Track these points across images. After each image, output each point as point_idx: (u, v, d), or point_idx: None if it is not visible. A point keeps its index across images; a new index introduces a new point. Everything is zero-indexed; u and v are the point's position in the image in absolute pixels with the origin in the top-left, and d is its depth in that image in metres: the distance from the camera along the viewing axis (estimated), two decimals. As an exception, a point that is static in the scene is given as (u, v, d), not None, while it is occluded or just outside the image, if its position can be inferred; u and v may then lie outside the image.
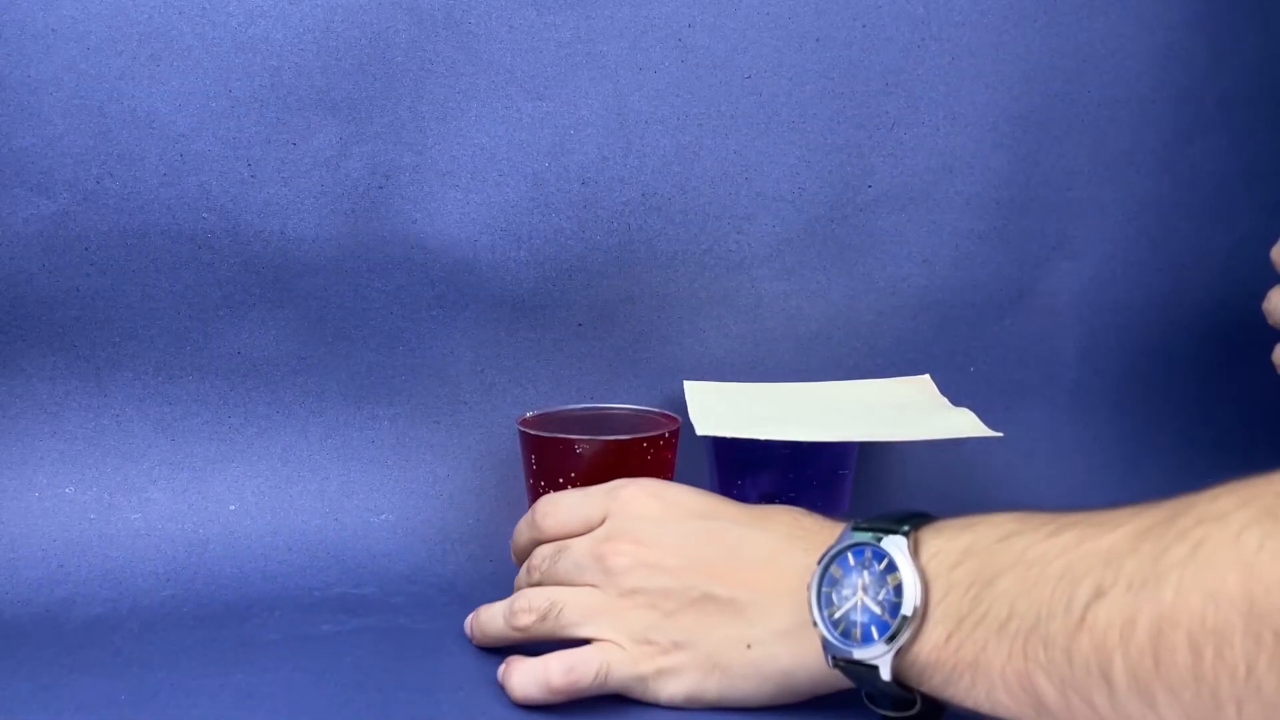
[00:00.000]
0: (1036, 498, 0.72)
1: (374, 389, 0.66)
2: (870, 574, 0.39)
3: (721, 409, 0.63)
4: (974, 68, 0.71)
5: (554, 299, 0.67)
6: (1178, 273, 0.77)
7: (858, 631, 0.39)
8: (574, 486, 0.53)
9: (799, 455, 0.60)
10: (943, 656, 0.37)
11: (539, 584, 0.48)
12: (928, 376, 0.69)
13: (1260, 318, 0.55)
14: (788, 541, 0.44)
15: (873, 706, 0.41)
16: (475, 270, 0.66)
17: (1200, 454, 0.77)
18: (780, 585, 0.43)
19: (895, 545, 0.39)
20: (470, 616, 0.51)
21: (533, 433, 0.56)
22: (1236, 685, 0.29)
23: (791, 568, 0.43)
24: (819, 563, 0.41)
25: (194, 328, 0.63)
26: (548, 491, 0.54)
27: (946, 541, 0.39)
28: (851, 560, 0.40)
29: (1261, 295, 0.55)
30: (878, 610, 0.38)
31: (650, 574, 0.44)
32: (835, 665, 0.40)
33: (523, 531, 0.52)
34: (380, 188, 0.64)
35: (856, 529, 0.41)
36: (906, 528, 0.40)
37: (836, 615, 0.40)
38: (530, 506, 0.55)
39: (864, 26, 0.69)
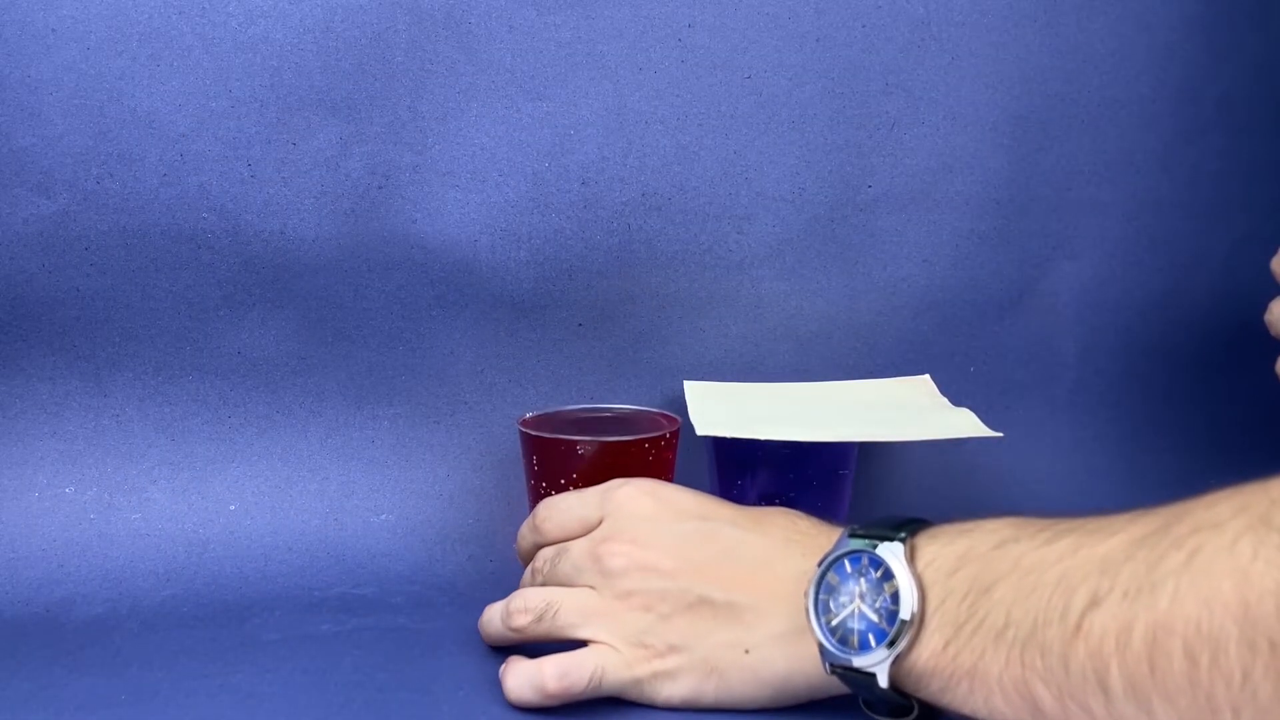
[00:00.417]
0: (1036, 498, 0.72)
1: (374, 389, 0.66)
2: (867, 581, 0.39)
3: (721, 409, 0.63)
4: (974, 68, 0.71)
5: (554, 299, 0.67)
6: (1178, 273, 0.77)
7: (855, 639, 0.39)
8: (575, 487, 0.53)
9: (799, 455, 0.60)
10: (940, 664, 0.37)
11: (543, 585, 0.49)
12: (928, 376, 0.69)
13: (1260, 318, 0.55)
14: (785, 546, 0.44)
15: (870, 713, 0.41)
16: (475, 270, 0.66)
17: (1200, 454, 0.77)
18: (777, 590, 0.42)
19: (891, 552, 0.39)
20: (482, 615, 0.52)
21: (533, 433, 0.56)
22: (1232, 692, 0.30)
23: (788, 573, 0.43)
24: (816, 568, 0.41)
25: (194, 328, 0.63)
26: (549, 492, 0.54)
27: (942, 548, 0.39)
28: (848, 567, 0.40)
29: (1261, 295, 0.55)
30: (875, 618, 0.39)
31: (646, 576, 0.44)
32: (833, 672, 0.40)
33: (525, 535, 0.52)
34: (380, 188, 0.64)
35: (853, 535, 0.41)
36: (903, 534, 0.40)
37: (834, 622, 0.40)
38: (531, 507, 0.55)
39: (864, 26, 0.69)
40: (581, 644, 0.45)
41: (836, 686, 0.41)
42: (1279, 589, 0.29)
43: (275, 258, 0.63)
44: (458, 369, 0.67)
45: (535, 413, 0.60)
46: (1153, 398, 0.78)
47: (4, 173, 0.59)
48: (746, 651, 0.42)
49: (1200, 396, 0.79)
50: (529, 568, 0.51)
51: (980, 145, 0.72)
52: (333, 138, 0.62)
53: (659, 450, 0.57)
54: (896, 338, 0.73)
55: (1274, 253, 0.55)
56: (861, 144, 0.70)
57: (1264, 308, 0.55)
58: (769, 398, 0.66)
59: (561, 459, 0.55)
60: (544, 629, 0.46)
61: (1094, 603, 0.33)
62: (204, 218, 0.62)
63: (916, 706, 0.39)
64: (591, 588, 0.46)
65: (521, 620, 0.47)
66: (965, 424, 0.60)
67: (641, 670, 0.44)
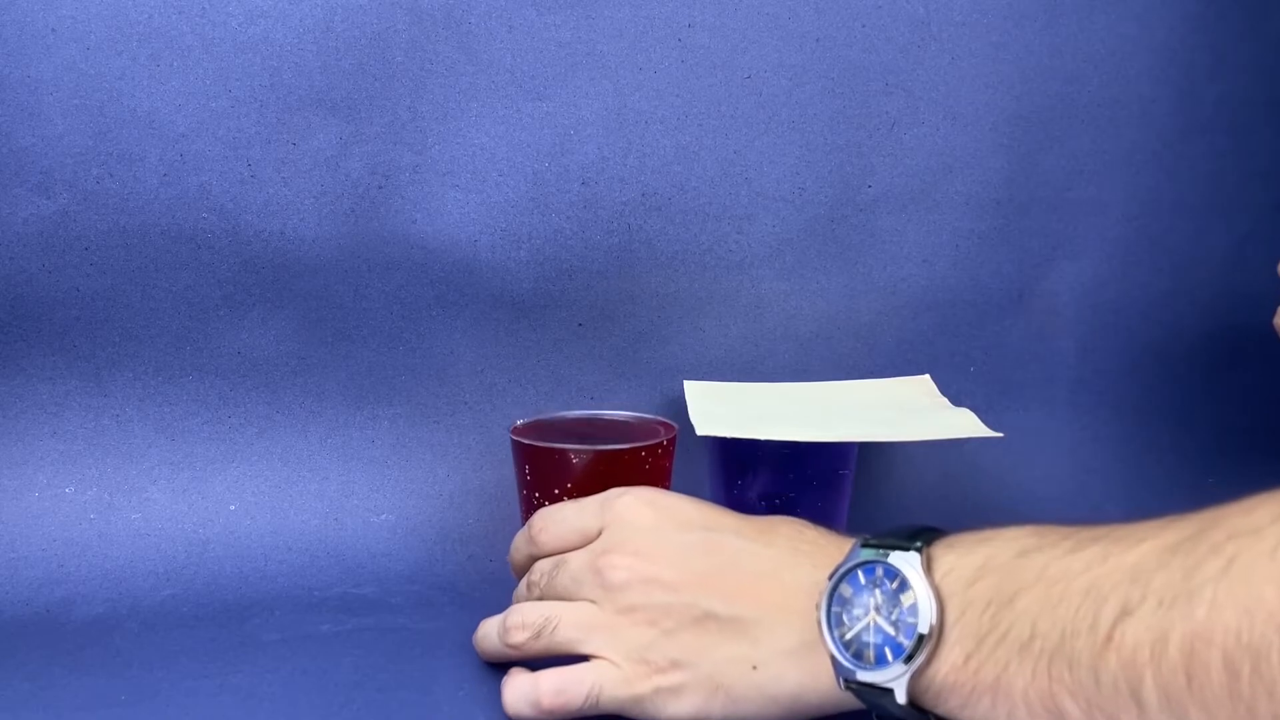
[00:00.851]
0: (1036, 498, 0.72)
1: (374, 389, 0.66)
2: (882, 592, 0.38)
3: (721, 409, 0.63)
4: (974, 68, 0.71)
5: (554, 299, 0.67)
6: (1178, 273, 0.77)
7: (871, 653, 0.38)
8: (569, 497, 0.52)
9: (799, 455, 0.60)
10: (961, 678, 0.36)
11: (540, 599, 0.47)
12: (928, 376, 0.69)
13: (1260, 317, 0.55)
14: (792, 556, 0.43)
15: None
16: (475, 270, 0.66)
17: (1199, 454, 0.77)
18: (786, 603, 0.41)
19: (907, 562, 0.38)
20: (476, 629, 0.50)
21: (526, 441, 0.54)
22: (1275, 703, 0.29)
23: (797, 584, 0.41)
24: (828, 580, 0.40)
25: (194, 328, 0.63)
26: (542, 502, 0.53)
27: (960, 558, 0.38)
28: (862, 578, 0.39)
29: (1261, 295, 0.56)
30: (891, 631, 0.37)
31: (649, 589, 0.43)
32: (847, 688, 0.38)
33: (520, 547, 0.50)
34: (380, 188, 0.64)
35: (866, 545, 0.40)
36: (919, 544, 0.38)
37: (848, 636, 0.38)
38: (523, 518, 0.54)
39: (864, 26, 0.69)
40: (584, 658, 0.44)
41: (850, 702, 0.39)
42: None
43: (275, 258, 0.63)
44: (458, 369, 0.67)
45: (526, 420, 0.58)
46: (1153, 398, 0.78)
47: (4, 173, 0.59)
48: (754, 667, 0.41)
49: (1200, 396, 0.79)
50: (524, 580, 0.49)
51: (980, 145, 0.72)
52: (333, 138, 0.63)
53: (656, 458, 0.55)
54: (896, 338, 0.73)
55: (1274, 253, 0.55)
56: (861, 144, 0.70)
57: (1264, 308, 0.55)
58: (769, 398, 0.66)
59: (555, 468, 0.53)
60: (543, 645, 0.45)
61: (1126, 612, 0.32)
62: (204, 218, 0.62)
63: None
64: (592, 602, 0.44)
65: (519, 636, 0.45)
66: (965, 424, 0.60)
67: (642, 687, 0.42)
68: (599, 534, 0.46)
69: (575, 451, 0.53)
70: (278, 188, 0.62)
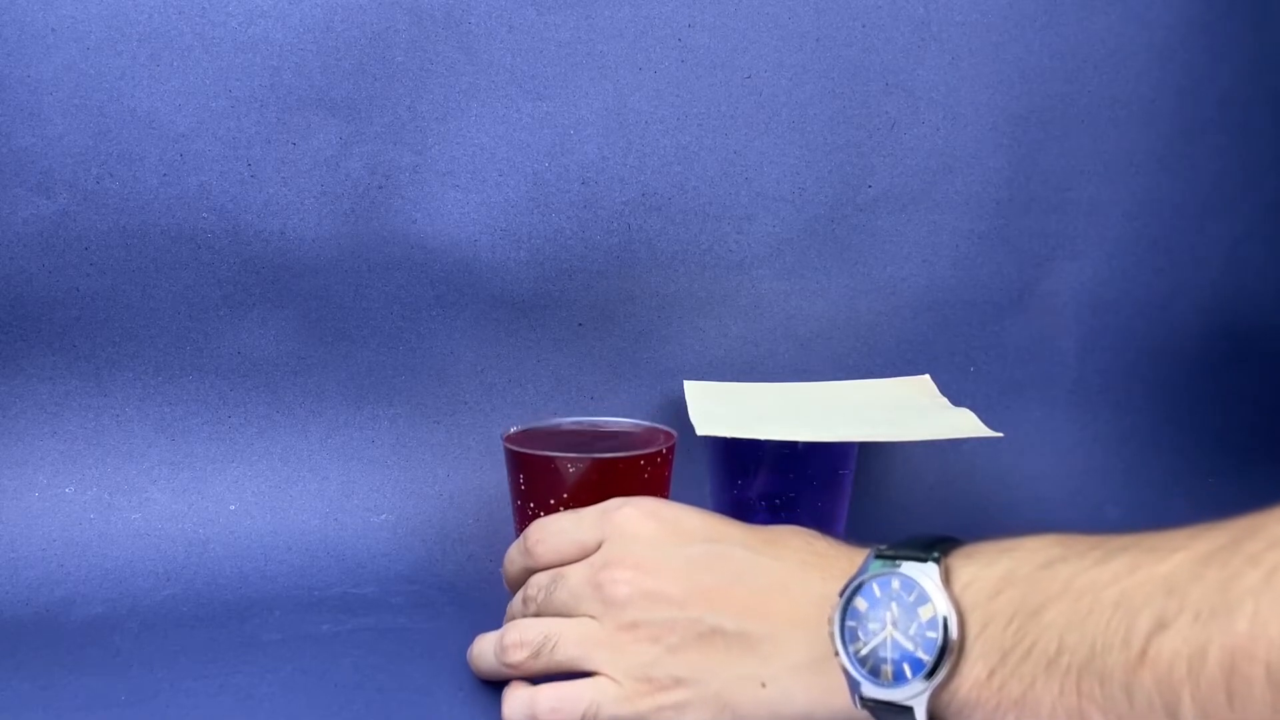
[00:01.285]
0: (1036, 498, 0.72)
1: (374, 389, 0.66)
2: (900, 606, 0.36)
3: (721, 409, 0.63)
4: (974, 68, 0.71)
5: (554, 299, 0.67)
6: (1178, 273, 0.77)
7: (888, 669, 0.36)
8: (564, 508, 0.50)
9: (799, 455, 0.60)
10: (984, 695, 0.34)
11: (537, 615, 0.45)
12: (928, 376, 0.69)
13: (1260, 318, 0.55)
14: (801, 569, 0.41)
15: None
16: (475, 270, 0.66)
17: (1199, 454, 0.77)
18: (795, 617, 0.39)
19: (925, 574, 0.36)
20: (471, 646, 0.49)
21: (519, 450, 0.52)
22: None
23: (807, 598, 0.39)
24: (840, 594, 0.38)
25: (194, 328, 0.63)
26: (536, 513, 0.51)
27: (981, 569, 0.36)
28: (877, 591, 0.37)
29: (1261, 296, 0.55)
30: (909, 646, 0.35)
31: (652, 605, 0.41)
32: (864, 706, 0.37)
33: (515, 560, 0.48)
34: (380, 188, 0.64)
35: (879, 556, 0.38)
36: (935, 554, 0.37)
37: (863, 652, 0.36)
38: (518, 529, 0.53)
39: (864, 26, 0.69)
40: (586, 673, 0.43)
41: None
42: None
43: (275, 258, 0.63)
44: (458, 369, 0.67)
45: (520, 427, 0.56)
46: (1153, 398, 0.78)
47: (4, 173, 0.59)
48: (763, 685, 0.39)
49: (1200, 396, 0.79)
50: (519, 595, 0.47)
51: (980, 145, 0.72)
52: (333, 138, 0.63)
53: (655, 467, 0.53)
54: (896, 338, 0.73)
55: (1275, 253, 0.55)
56: (861, 144, 0.70)
57: (1265, 308, 0.55)
58: (769, 398, 0.66)
59: (550, 477, 0.51)
60: (542, 665, 0.43)
61: (1160, 626, 0.30)
62: (204, 218, 0.62)
63: None
64: (592, 617, 0.42)
65: (518, 655, 0.43)
66: (965, 424, 0.59)
67: (643, 705, 0.40)
68: (598, 547, 0.44)
69: (571, 460, 0.51)
70: (278, 188, 0.62)
